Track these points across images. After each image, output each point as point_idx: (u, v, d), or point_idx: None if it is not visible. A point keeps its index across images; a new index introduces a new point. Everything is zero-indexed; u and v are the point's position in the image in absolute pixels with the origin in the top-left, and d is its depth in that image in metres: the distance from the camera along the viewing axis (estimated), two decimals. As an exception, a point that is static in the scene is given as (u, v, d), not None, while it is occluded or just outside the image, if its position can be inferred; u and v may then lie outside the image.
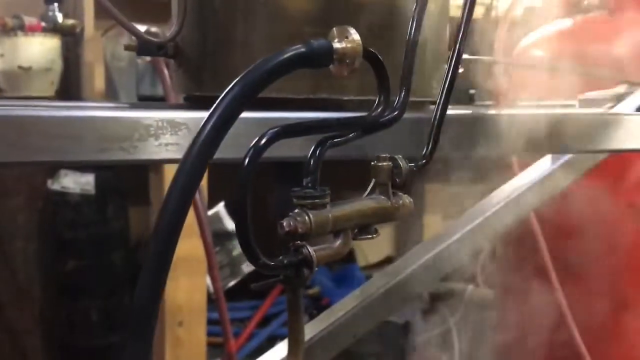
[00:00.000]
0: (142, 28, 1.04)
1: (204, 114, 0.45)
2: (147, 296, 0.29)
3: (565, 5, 1.58)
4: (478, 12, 2.33)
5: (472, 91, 2.32)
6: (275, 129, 0.32)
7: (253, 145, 0.31)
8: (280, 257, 0.32)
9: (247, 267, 1.68)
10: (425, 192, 2.45)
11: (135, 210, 1.69)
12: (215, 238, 1.48)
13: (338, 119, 0.36)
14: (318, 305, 1.78)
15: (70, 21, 1.64)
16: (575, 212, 1.38)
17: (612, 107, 0.90)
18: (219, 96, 0.32)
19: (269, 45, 0.52)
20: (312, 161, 0.33)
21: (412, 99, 0.49)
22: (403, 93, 0.37)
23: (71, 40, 1.70)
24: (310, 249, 0.32)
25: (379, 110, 0.36)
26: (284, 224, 0.31)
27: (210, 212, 1.60)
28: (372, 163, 0.35)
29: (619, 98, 0.91)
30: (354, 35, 0.33)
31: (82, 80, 1.69)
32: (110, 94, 1.55)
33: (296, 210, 0.32)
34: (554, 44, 1.51)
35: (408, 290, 0.79)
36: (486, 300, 1.84)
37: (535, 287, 1.43)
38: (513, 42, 1.57)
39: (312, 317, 1.78)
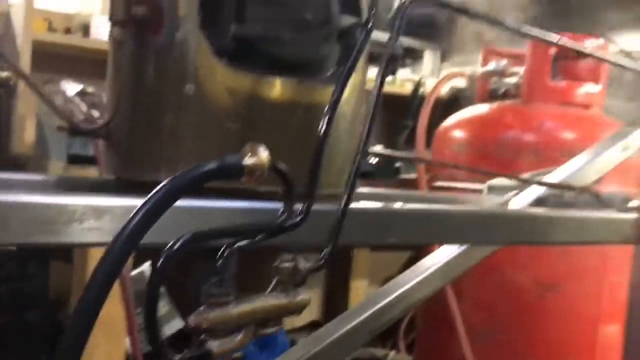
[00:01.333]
0: (78, 86, 1.06)
1: (127, 202, 0.49)
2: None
3: (485, 92, 1.72)
4: (407, 88, 2.47)
5: (397, 165, 2.43)
6: (188, 236, 0.36)
7: (166, 250, 0.35)
8: (185, 351, 0.35)
9: (168, 330, 1.66)
10: (353, 257, 2.50)
11: (57, 267, 1.66)
12: (138, 299, 1.47)
13: (247, 226, 0.40)
14: (240, 370, 1.77)
15: (4, 73, 1.65)
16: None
17: (516, 194, 0.99)
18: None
19: (196, 136, 0.56)
20: (219, 264, 0.37)
21: (325, 192, 0.54)
22: (307, 203, 0.41)
23: (4, 92, 1.70)
24: (212, 344, 0.36)
25: (283, 216, 0.40)
26: (190, 320, 0.35)
27: (134, 272, 1.59)
28: (274, 265, 0.39)
29: (522, 187, 1.00)
30: (263, 152, 0.38)
31: (12, 132, 1.68)
32: (40, 150, 1.55)
33: (203, 307, 0.35)
34: (471, 127, 1.63)
35: (332, 357, 0.82)
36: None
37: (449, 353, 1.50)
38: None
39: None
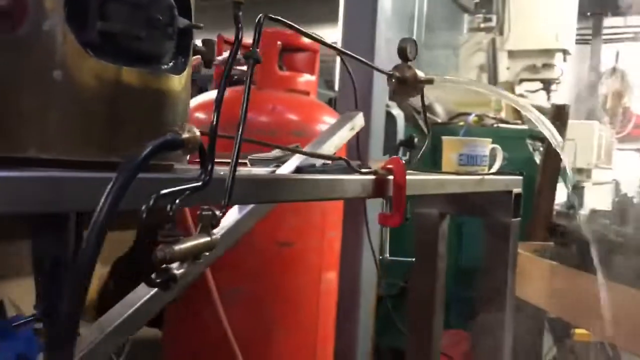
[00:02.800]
0: None
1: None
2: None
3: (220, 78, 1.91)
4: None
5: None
6: (159, 195, 0.47)
7: (146, 207, 0.45)
8: (154, 276, 0.47)
9: None
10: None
11: None
12: None
13: (184, 187, 0.53)
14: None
15: None
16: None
17: (277, 166, 1.20)
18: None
19: (64, 118, 0.64)
20: (170, 213, 0.48)
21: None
22: (209, 168, 0.55)
23: None
24: (175, 270, 0.48)
25: (202, 177, 0.53)
26: (157, 254, 0.46)
27: None
28: (199, 213, 0.52)
29: (278, 159, 1.22)
30: (195, 130, 0.50)
31: None
32: None
33: (161, 245, 0.47)
34: (210, 110, 1.81)
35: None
36: None
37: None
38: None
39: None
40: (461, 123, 3.26)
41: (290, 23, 0.79)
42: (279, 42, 1.81)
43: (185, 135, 0.51)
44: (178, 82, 0.72)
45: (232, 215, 1.06)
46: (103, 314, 2.35)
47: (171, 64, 0.72)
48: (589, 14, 6.51)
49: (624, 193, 2.59)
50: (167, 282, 0.48)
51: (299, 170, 1.14)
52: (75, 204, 0.53)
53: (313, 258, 1.80)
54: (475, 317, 1.55)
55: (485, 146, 1.55)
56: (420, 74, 1.02)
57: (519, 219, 1.55)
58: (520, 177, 1.59)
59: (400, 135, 2.87)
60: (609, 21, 6.79)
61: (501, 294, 1.53)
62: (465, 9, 5.11)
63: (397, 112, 2.88)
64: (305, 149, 1.21)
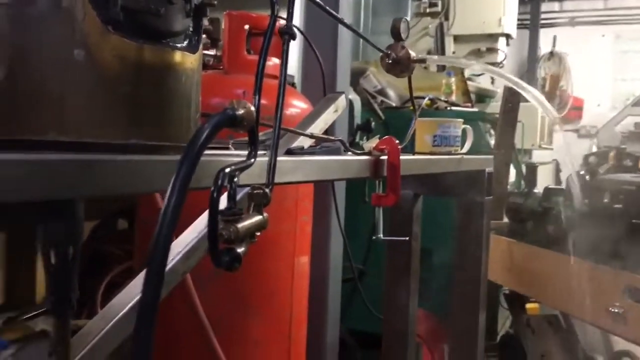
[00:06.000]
0: None
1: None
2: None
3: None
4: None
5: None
6: (230, 170, 0.45)
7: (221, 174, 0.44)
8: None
9: None
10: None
11: None
12: None
13: (240, 166, 0.51)
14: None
15: None
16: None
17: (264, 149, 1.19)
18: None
19: (86, 97, 0.61)
20: (231, 192, 0.47)
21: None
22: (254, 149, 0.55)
23: None
24: (238, 249, 0.47)
25: (251, 155, 0.52)
26: (223, 233, 0.45)
27: None
28: (250, 193, 0.51)
29: (262, 142, 1.21)
30: (249, 107, 0.49)
31: None
32: None
33: (223, 224, 0.46)
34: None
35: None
36: None
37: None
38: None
39: None
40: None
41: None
42: (246, 26, 1.78)
43: (241, 112, 0.49)
44: (194, 61, 0.71)
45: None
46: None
47: (186, 42, 0.70)
48: (527, 0, 6.72)
49: (577, 170, 2.71)
50: (233, 262, 0.47)
51: (289, 152, 1.14)
52: (122, 188, 0.51)
53: (287, 243, 1.79)
54: (453, 294, 1.59)
55: (458, 127, 1.59)
56: (413, 53, 1.03)
57: (491, 197, 1.59)
58: (492, 157, 1.63)
59: (358, 119, 2.89)
60: (546, 6, 7.02)
61: (476, 271, 1.57)
62: (410, -5, 5.17)
63: (353, 96, 2.90)
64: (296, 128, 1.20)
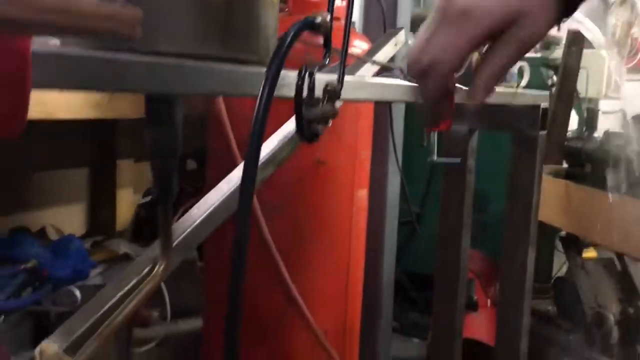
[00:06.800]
0: None
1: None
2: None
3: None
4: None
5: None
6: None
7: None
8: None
9: None
10: (117, 167, 2.57)
11: None
12: None
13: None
14: (39, 277, 1.80)
15: None
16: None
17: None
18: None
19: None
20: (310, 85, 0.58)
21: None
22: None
23: None
24: (317, 127, 0.58)
25: (325, 59, 0.62)
26: (305, 114, 0.56)
27: None
28: (325, 87, 0.61)
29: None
30: (325, 15, 0.59)
31: None
32: None
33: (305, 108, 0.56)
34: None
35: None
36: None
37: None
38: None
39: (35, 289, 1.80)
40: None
41: None
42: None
43: (319, 20, 0.60)
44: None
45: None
46: (137, 239, 2.48)
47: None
48: (599, -57, 6.40)
49: (637, 114, 2.67)
50: (312, 136, 0.59)
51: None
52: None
53: (346, 176, 1.89)
54: (504, 230, 1.65)
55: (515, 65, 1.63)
56: None
57: (545, 131, 1.64)
58: (547, 93, 1.67)
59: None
60: (619, -50, 6.68)
61: (527, 208, 1.62)
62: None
63: (413, 42, 2.93)
64: (354, 63, 1.29)
